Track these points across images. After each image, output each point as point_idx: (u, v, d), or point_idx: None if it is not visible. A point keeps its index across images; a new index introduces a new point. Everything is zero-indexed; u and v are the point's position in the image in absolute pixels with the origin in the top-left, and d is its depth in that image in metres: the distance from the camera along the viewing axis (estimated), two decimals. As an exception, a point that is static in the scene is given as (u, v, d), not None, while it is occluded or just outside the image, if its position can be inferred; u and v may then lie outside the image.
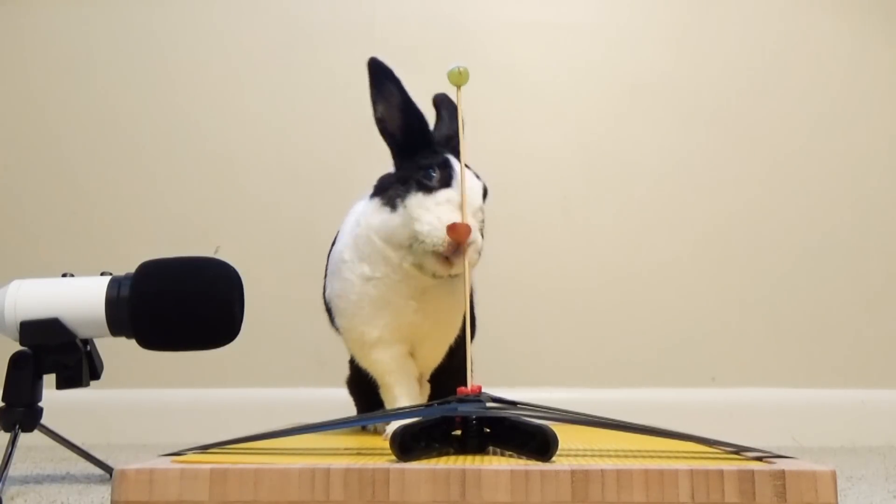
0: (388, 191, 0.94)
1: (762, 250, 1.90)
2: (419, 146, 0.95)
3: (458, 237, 0.86)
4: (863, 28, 1.98)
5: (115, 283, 1.06)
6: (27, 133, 1.94)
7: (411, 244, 0.90)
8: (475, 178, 0.94)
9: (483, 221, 0.93)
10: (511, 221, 1.88)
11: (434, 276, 0.91)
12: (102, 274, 1.08)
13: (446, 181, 0.90)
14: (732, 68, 1.96)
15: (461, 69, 0.88)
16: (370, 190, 1.00)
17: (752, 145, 1.93)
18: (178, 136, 1.94)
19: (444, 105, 1.04)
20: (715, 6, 1.98)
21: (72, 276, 1.09)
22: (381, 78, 0.95)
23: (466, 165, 0.92)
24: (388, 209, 0.93)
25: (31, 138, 1.94)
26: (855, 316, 1.87)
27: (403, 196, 0.91)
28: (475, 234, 0.88)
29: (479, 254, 0.90)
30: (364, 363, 1.03)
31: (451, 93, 0.91)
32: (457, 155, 0.94)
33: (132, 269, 1.07)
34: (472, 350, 1.13)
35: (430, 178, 0.90)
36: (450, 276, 0.91)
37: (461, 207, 0.88)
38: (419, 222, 0.88)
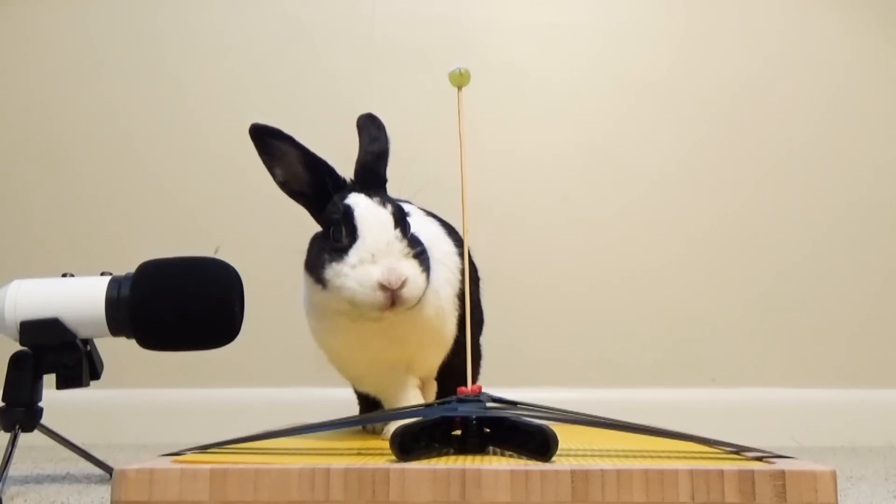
0: (314, 265, 0.91)
1: (762, 250, 1.90)
2: (333, 192, 0.92)
3: (389, 300, 0.86)
4: (862, 28, 1.98)
5: (115, 283, 1.06)
6: (27, 133, 1.94)
7: (351, 308, 0.88)
8: (379, 209, 0.90)
9: (410, 244, 0.89)
10: (511, 221, 1.89)
11: (383, 319, 0.90)
12: (102, 274, 1.08)
13: (352, 233, 0.88)
14: (732, 68, 1.96)
15: (462, 70, 0.88)
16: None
17: (752, 145, 1.93)
18: (178, 136, 1.94)
19: (364, 126, 1.00)
20: (715, 6, 1.98)
21: (72, 276, 1.09)
22: (268, 140, 0.92)
23: (381, 197, 0.91)
24: (319, 287, 0.90)
25: (31, 138, 1.94)
26: (855, 316, 1.87)
27: (323, 269, 0.89)
28: (403, 272, 0.86)
29: (422, 284, 0.88)
30: (361, 390, 1.06)
31: (450, 95, 0.90)
32: (375, 179, 0.94)
33: (132, 269, 1.07)
34: (483, 347, 1.14)
35: (338, 237, 0.89)
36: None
37: (374, 255, 0.86)
38: (345, 290, 0.87)
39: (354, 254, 0.87)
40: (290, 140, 0.92)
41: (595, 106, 1.94)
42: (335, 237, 0.89)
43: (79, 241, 1.89)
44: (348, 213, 0.89)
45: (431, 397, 1.04)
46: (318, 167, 0.93)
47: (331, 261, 0.89)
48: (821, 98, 1.95)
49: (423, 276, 0.88)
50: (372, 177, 0.95)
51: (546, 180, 1.92)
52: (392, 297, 0.86)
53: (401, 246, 0.89)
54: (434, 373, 1.04)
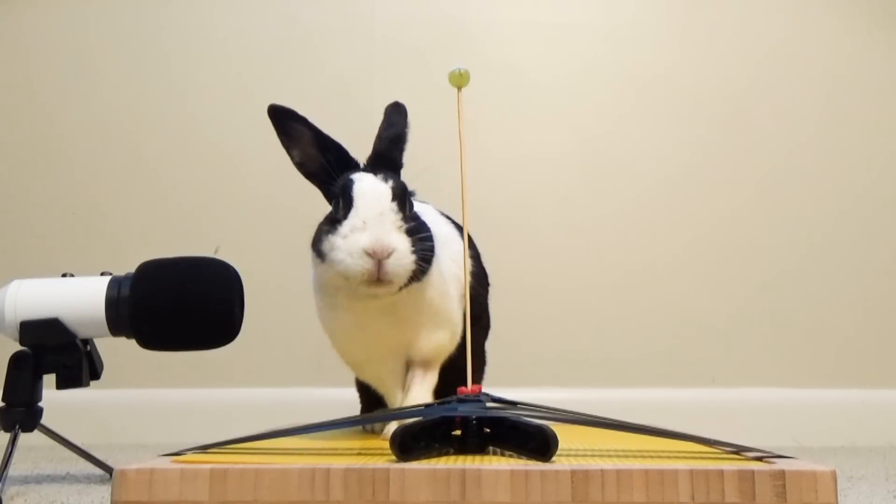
0: (315, 239, 0.92)
1: (762, 250, 1.90)
2: (341, 171, 0.93)
3: (375, 269, 0.85)
4: (863, 27, 1.97)
5: (115, 283, 1.06)
6: (27, 133, 1.94)
7: (344, 281, 0.88)
8: (379, 182, 0.91)
9: (406, 219, 0.89)
10: (511, 221, 1.88)
11: (374, 297, 0.89)
12: (102, 274, 1.08)
13: (348, 204, 0.89)
14: (732, 68, 1.96)
15: (462, 71, 0.88)
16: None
17: (751, 145, 1.93)
18: (178, 135, 1.94)
19: (387, 113, 1.02)
20: (715, 6, 1.98)
21: (72, 276, 1.09)
22: (286, 121, 0.94)
23: (386, 174, 0.92)
24: (319, 260, 0.91)
25: (31, 138, 1.94)
26: (855, 316, 1.87)
27: (320, 240, 0.90)
28: (392, 242, 0.86)
29: (409, 261, 0.87)
30: (362, 379, 1.05)
31: (450, 95, 0.90)
32: (388, 163, 0.95)
33: (132, 269, 1.07)
34: (489, 349, 1.13)
35: (336, 209, 0.90)
36: (397, 290, 0.89)
37: (365, 222, 0.87)
38: (336, 264, 0.87)
39: (347, 223, 0.88)
40: (304, 121, 0.94)
41: (595, 106, 1.94)
42: (335, 209, 0.91)
43: (79, 241, 1.89)
44: (347, 186, 0.90)
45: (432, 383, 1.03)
46: (330, 148, 0.94)
47: (327, 232, 0.90)
48: (820, 99, 1.95)
49: (412, 257, 0.87)
50: (384, 161, 0.96)
51: (546, 180, 1.92)
52: (378, 266, 0.85)
53: (394, 218, 0.89)
54: (437, 360, 1.01)
